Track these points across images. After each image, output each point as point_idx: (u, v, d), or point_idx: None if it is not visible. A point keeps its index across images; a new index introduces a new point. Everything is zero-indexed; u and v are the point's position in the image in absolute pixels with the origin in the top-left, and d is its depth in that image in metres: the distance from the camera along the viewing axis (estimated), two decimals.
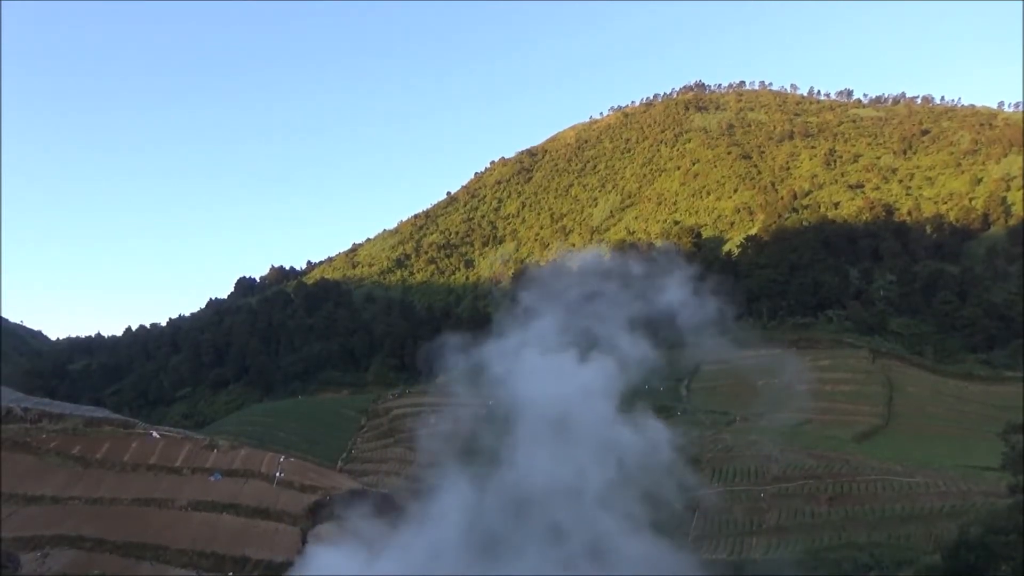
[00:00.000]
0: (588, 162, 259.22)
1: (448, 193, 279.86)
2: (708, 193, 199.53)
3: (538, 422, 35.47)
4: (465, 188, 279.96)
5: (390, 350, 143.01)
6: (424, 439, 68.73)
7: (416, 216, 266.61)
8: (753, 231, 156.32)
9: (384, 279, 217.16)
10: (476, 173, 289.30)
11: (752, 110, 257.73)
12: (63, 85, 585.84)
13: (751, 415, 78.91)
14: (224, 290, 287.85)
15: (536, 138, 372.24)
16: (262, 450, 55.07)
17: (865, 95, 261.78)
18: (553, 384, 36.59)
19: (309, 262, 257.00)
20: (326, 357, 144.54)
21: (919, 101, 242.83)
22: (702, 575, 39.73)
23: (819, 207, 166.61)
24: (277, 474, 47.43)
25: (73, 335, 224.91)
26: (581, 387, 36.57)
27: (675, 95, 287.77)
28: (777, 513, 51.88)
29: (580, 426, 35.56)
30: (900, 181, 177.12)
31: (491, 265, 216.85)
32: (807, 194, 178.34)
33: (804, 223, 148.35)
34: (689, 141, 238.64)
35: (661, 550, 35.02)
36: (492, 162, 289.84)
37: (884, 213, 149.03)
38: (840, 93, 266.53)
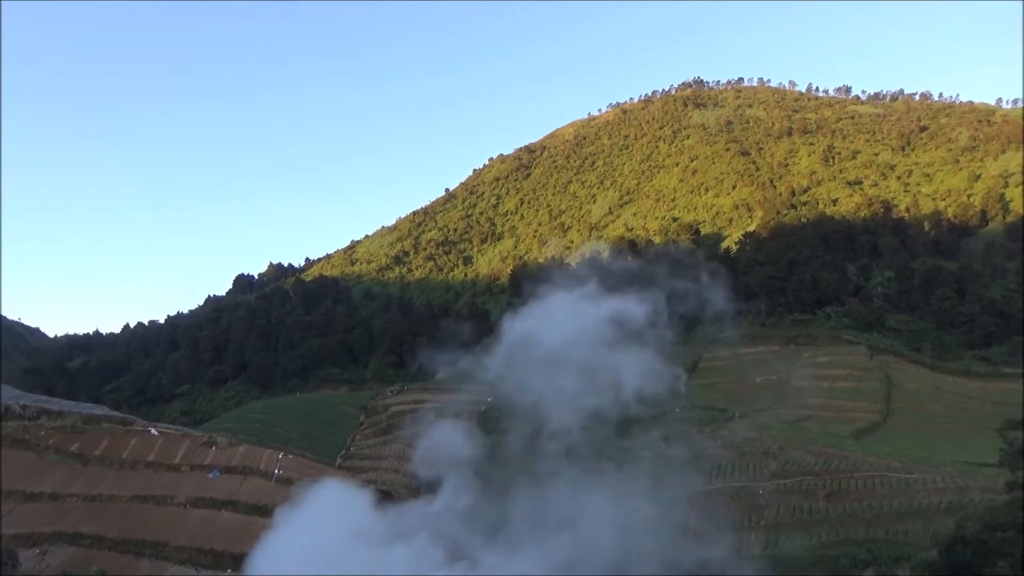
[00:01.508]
0: (587, 159, 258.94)
1: (446, 190, 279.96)
2: (706, 190, 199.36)
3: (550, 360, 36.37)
4: (463, 185, 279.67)
5: (389, 347, 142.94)
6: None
7: (414, 213, 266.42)
8: (751, 228, 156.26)
9: (382, 276, 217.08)
10: (475, 170, 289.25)
11: (751, 107, 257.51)
12: (62, 83, 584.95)
13: (749, 412, 78.87)
14: (222, 287, 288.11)
15: (535, 135, 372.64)
16: (261, 447, 55.07)
17: (863, 91, 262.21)
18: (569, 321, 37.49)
19: (307, 259, 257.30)
20: (325, 354, 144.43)
21: (917, 98, 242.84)
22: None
23: (817, 204, 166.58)
24: (276, 471, 47.47)
25: (71, 332, 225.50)
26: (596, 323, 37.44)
27: (673, 92, 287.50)
28: (775, 509, 51.87)
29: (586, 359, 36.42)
30: (898, 178, 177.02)
31: (490, 262, 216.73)
32: (805, 191, 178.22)
33: (802, 220, 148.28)
34: (688, 138, 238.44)
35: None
36: (491, 159, 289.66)
37: (882, 210, 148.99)
38: (838, 90, 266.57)
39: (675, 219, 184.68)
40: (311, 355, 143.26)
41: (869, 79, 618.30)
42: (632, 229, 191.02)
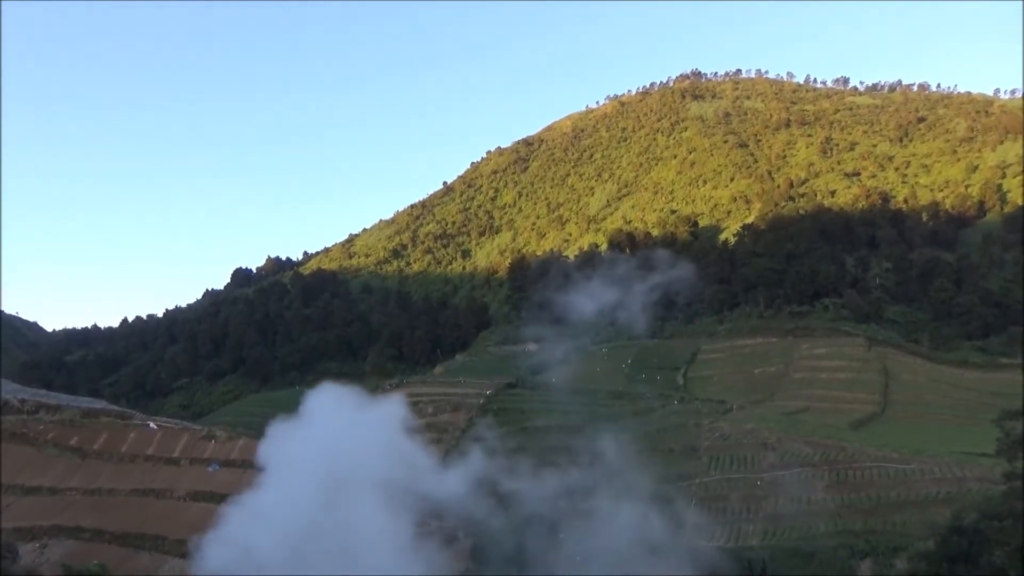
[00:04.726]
0: (585, 151, 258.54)
1: (445, 183, 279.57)
2: (705, 182, 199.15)
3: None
4: (462, 178, 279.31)
5: (387, 340, 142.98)
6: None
7: (413, 206, 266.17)
8: (750, 220, 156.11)
9: (381, 269, 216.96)
10: (473, 163, 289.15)
11: (749, 98, 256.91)
12: (61, 79, 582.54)
13: (748, 403, 79.03)
14: (221, 281, 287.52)
15: (533, 127, 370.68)
16: (260, 440, 55.08)
17: (861, 83, 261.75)
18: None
19: (306, 253, 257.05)
20: (323, 347, 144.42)
21: (915, 88, 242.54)
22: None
23: (815, 195, 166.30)
24: None
25: (70, 326, 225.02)
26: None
27: (672, 84, 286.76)
28: (774, 500, 52.07)
29: None
30: (896, 169, 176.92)
31: (488, 255, 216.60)
32: (803, 182, 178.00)
33: (800, 212, 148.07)
34: (686, 130, 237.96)
35: None
36: (489, 152, 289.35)
37: (880, 201, 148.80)
38: (836, 81, 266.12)
39: (673, 211, 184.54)
40: (310, 349, 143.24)
41: (867, 70, 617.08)
42: (630, 222, 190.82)
